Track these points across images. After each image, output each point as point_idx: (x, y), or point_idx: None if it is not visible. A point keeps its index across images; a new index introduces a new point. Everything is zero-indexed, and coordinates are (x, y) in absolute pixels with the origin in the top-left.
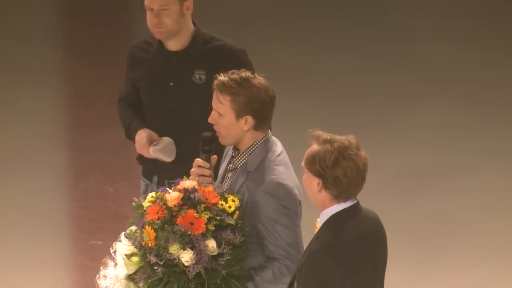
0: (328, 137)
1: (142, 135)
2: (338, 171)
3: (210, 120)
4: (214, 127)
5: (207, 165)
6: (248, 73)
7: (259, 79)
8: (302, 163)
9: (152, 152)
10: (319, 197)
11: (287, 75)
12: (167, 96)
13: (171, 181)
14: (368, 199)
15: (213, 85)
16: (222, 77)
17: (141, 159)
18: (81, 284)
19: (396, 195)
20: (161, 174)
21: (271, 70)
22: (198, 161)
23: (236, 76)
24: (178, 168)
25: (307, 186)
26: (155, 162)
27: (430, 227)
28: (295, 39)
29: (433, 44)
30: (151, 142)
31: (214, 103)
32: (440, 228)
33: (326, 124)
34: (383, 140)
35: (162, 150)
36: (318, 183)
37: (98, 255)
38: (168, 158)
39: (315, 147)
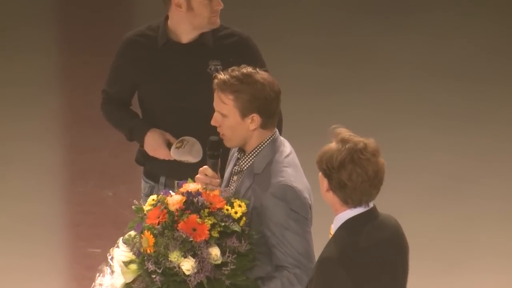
0: (346, 137)
1: (154, 136)
2: (343, 174)
3: (213, 122)
4: (218, 129)
5: (216, 175)
6: (250, 69)
7: (262, 74)
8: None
9: (176, 155)
10: (328, 198)
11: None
12: (179, 93)
13: (181, 181)
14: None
15: (213, 85)
16: (222, 76)
17: (144, 159)
18: None
19: (418, 199)
20: (170, 174)
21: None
22: (207, 169)
23: (237, 73)
24: (189, 167)
25: (320, 185)
26: (162, 161)
27: (453, 232)
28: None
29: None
30: (166, 143)
31: (216, 104)
32: (463, 233)
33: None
34: (405, 139)
35: (190, 151)
36: (326, 183)
37: (96, 264)
38: (195, 159)
39: (330, 145)
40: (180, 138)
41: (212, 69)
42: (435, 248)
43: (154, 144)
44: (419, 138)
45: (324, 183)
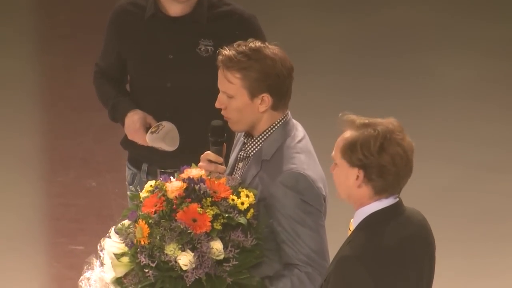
0: (367, 121)
1: (134, 118)
2: (386, 158)
3: (218, 105)
4: (222, 112)
5: (221, 159)
6: (258, 43)
7: (272, 49)
8: (334, 153)
9: (150, 140)
10: (357, 193)
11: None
12: (164, 72)
13: (165, 170)
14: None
15: (217, 62)
16: (227, 51)
17: (128, 143)
18: None
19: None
20: (153, 161)
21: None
22: (209, 154)
23: (244, 48)
24: (174, 156)
25: (341, 181)
26: (145, 147)
27: (479, 228)
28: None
29: None
30: (145, 126)
31: (222, 83)
32: (493, 230)
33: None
34: (421, 125)
35: (164, 138)
36: (358, 176)
37: (79, 263)
38: (170, 147)
39: (351, 133)
40: (158, 123)
41: (202, 49)
42: (460, 246)
43: (133, 126)
44: (440, 124)
45: (351, 176)
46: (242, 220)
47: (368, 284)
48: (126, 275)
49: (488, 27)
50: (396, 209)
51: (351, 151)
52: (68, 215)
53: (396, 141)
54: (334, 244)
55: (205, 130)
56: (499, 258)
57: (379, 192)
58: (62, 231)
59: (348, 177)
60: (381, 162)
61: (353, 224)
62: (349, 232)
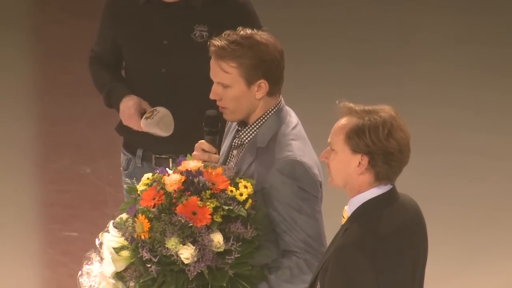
0: (369, 107)
1: (129, 104)
2: (393, 144)
3: (212, 96)
4: (218, 103)
5: (214, 149)
6: (248, 30)
7: (262, 34)
8: (333, 140)
9: (144, 126)
10: (356, 180)
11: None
12: (159, 57)
13: (159, 156)
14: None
15: (210, 53)
16: (218, 42)
17: (122, 128)
18: (52, 283)
19: (434, 177)
20: (147, 147)
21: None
22: (203, 144)
23: (235, 36)
24: (169, 141)
25: (340, 168)
26: (140, 132)
27: (473, 215)
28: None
29: None
30: (140, 111)
31: (216, 74)
32: (485, 217)
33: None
34: (412, 108)
35: (158, 123)
36: (360, 162)
37: (73, 249)
38: (165, 132)
39: (351, 119)
40: (153, 108)
41: (197, 34)
42: (453, 233)
43: (128, 112)
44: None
45: (353, 163)
46: (242, 212)
47: (367, 271)
48: (126, 269)
49: (484, 18)
50: (391, 196)
51: (359, 137)
52: (62, 201)
53: (400, 127)
54: (327, 230)
55: (199, 116)
56: (491, 245)
57: (381, 179)
58: (56, 217)
59: (349, 164)
60: (388, 149)
61: (348, 211)
62: (343, 220)
